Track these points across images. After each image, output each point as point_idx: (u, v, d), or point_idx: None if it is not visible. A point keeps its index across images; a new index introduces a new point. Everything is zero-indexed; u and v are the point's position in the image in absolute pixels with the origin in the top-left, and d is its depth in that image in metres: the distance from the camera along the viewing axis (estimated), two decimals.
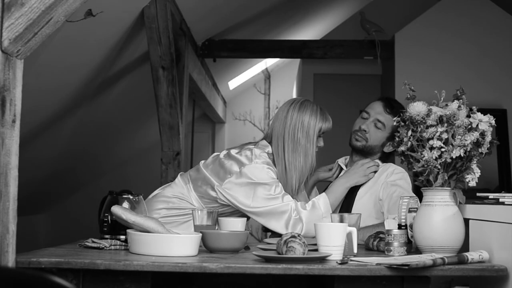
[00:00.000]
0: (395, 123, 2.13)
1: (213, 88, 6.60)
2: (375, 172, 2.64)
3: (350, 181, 2.60)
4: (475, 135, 1.99)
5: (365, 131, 2.70)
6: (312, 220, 2.36)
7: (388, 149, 2.72)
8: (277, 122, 2.57)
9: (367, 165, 2.63)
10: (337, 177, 2.74)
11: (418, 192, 2.22)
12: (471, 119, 2.01)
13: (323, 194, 2.53)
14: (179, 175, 2.65)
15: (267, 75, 8.68)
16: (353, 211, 2.57)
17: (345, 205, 2.63)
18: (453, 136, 2.00)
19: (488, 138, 2.02)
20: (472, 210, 2.06)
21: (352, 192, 2.63)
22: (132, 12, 3.39)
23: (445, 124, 2.00)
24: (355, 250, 2.01)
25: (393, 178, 2.61)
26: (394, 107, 2.68)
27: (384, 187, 2.59)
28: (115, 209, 2.03)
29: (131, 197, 2.24)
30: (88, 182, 7.03)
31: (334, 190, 2.56)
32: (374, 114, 2.71)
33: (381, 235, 2.22)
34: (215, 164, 2.53)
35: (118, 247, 2.10)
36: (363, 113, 2.75)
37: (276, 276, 2.10)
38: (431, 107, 2.04)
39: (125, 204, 2.20)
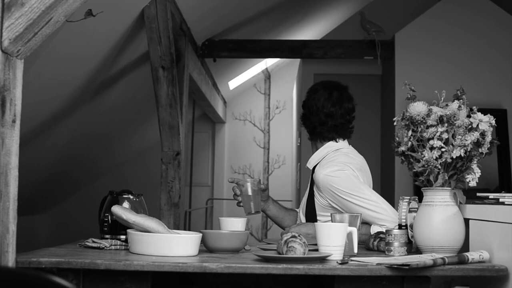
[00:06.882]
0: (395, 123, 2.13)
1: (213, 88, 6.60)
2: None
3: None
4: (475, 135, 1.99)
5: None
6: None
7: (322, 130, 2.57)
8: None
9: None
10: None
11: (418, 192, 2.22)
12: (471, 119, 2.01)
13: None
14: None
15: (267, 75, 8.68)
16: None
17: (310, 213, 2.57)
18: (453, 136, 2.00)
19: (488, 138, 2.02)
20: (472, 210, 2.06)
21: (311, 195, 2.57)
22: (132, 12, 3.38)
23: (446, 124, 2.00)
24: (355, 250, 2.01)
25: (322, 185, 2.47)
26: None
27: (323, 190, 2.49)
28: (115, 209, 2.03)
29: (131, 197, 2.24)
30: (88, 182, 7.03)
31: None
32: None
33: (381, 235, 2.22)
34: None
35: (118, 247, 2.10)
36: None
37: (276, 276, 2.10)
38: (431, 107, 2.04)
39: (125, 204, 2.20)
